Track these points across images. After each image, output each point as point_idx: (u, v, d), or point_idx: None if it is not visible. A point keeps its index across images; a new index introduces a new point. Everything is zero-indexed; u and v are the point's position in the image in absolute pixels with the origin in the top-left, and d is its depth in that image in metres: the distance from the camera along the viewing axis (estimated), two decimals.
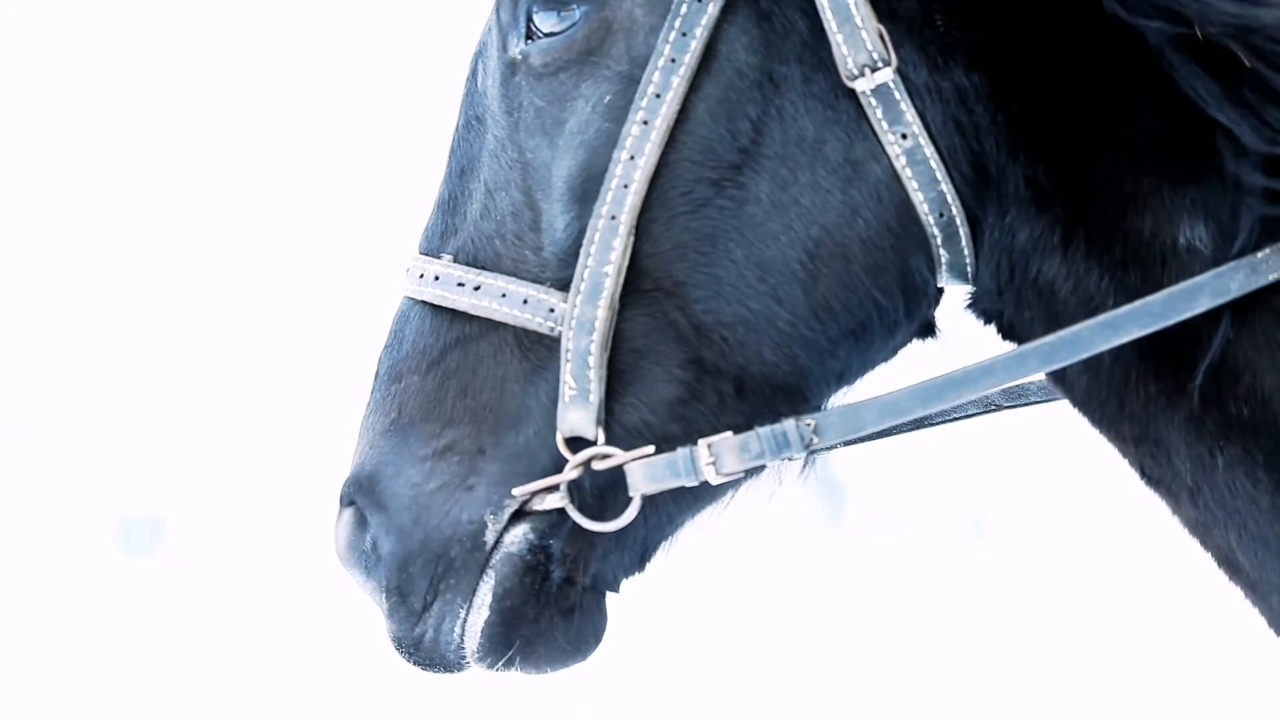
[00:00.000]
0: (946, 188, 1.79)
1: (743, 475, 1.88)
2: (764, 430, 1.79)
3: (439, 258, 1.92)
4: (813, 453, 1.83)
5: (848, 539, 20.40)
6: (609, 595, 1.95)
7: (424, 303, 1.92)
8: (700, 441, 1.80)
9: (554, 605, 1.87)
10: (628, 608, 1.98)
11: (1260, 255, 1.68)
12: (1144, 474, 1.87)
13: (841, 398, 1.94)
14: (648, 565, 1.96)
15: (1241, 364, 1.73)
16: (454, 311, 1.89)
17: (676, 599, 14.72)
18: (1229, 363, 1.73)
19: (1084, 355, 1.74)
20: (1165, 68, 1.69)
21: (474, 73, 1.97)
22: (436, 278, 1.90)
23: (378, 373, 1.97)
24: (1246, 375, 1.73)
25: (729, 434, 1.80)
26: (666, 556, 1.98)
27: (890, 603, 15.37)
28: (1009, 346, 1.90)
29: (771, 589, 16.83)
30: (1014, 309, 1.86)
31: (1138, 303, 1.71)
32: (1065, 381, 1.87)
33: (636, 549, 1.92)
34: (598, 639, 1.93)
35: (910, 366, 1.95)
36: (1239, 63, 1.65)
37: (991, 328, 1.92)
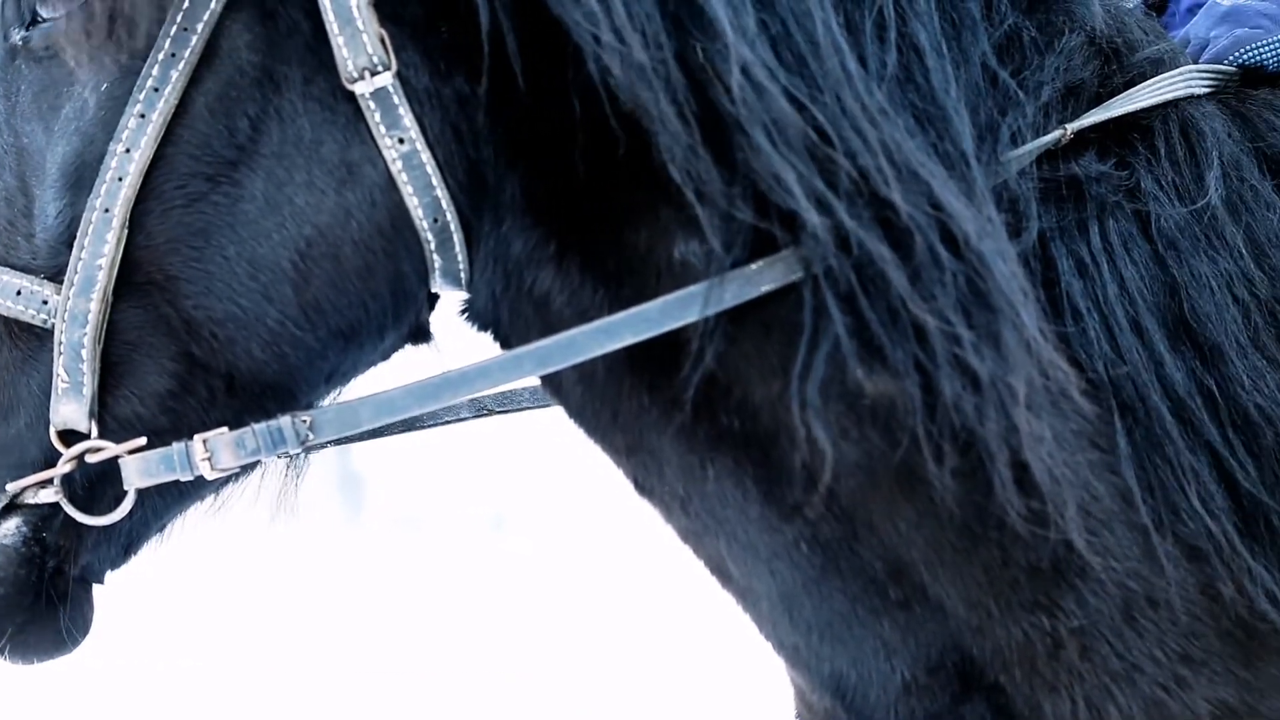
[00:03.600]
0: (442, 194, 1.79)
1: (237, 471, 1.88)
2: (259, 427, 1.78)
3: None
4: (309, 449, 1.83)
5: (367, 534, 20.30)
6: (95, 586, 1.92)
7: None
8: (196, 437, 1.79)
9: (46, 596, 1.84)
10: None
11: (754, 267, 1.71)
12: (637, 484, 1.92)
13: (334, 398, 1.95)
14: (132, 558, 1.94)
15: (733, 376, 1.77)
16: None
17: (198, 594, 14.39)
18: (721, 375, 1.77)
19: (579, 359, 1.76)
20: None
21: None
22: None
23: None
24: (737, 388, 1.77)
25: (224, 430, 1.79)
26: (154, 550, 1.97)
27: (411, 598, 15.39)
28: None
29: (290, 584, 16.60)
30: (509, 318, 1.88)
31: (633, 309, 1.73)
32: (561, 391, 1.91)
33: (123, 541, 1.90)
34: (86, 630, 1.91)
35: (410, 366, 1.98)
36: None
37: (488, 335, 1.94)
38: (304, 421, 1.79)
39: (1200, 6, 2.17)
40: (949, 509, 1.74)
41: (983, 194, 1.71)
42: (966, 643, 1.80)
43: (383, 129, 1.77)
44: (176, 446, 1.78)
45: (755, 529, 1.83)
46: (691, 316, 1.72)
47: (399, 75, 1.76)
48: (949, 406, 1.67)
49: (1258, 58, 2.01)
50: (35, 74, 1.81)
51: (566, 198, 1.81)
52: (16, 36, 1.82)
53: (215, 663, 12.50)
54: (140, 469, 1.79)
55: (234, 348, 1.80)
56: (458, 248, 1.83)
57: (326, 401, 1.94)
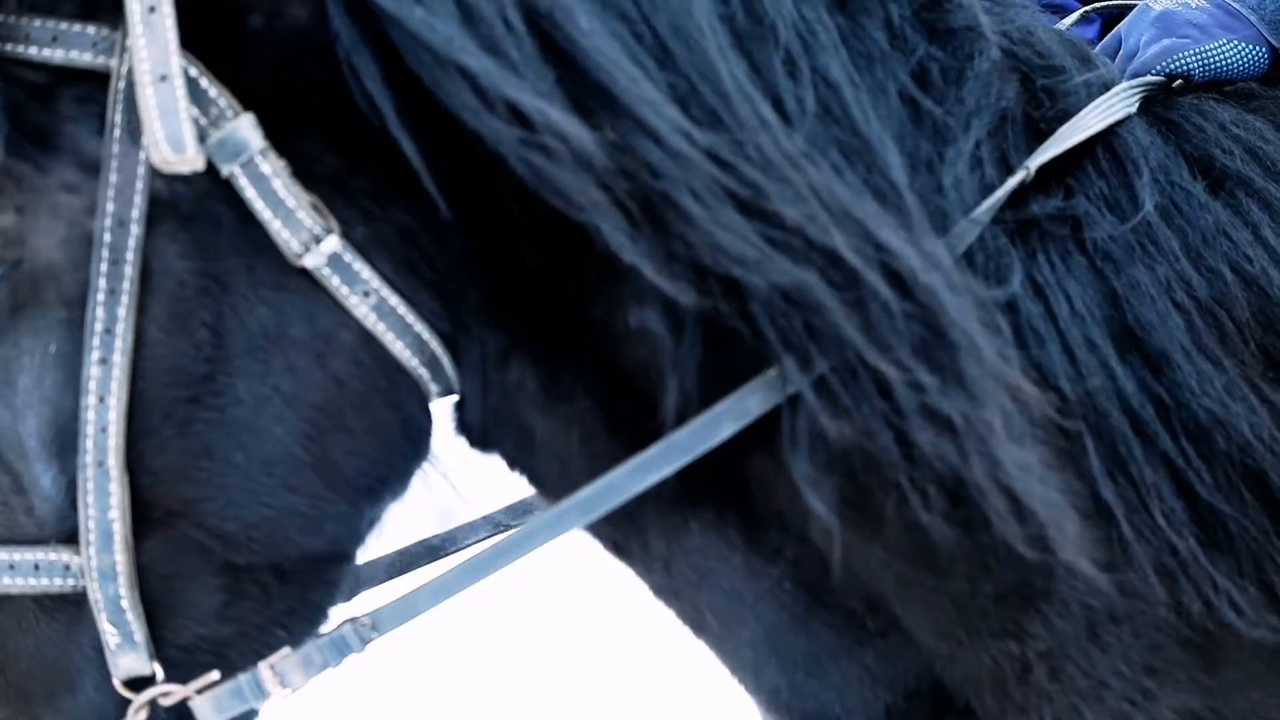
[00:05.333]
0: (420, 327, 1.75)
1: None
2: (323, 641, 1.78)
3: None
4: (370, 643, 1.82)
5: None
6: None
7: None
8: (261, 664, 1.77)
9: None
10: None
11: (772, 374, 1.68)
12: (616, 547, 1.92)
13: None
14: None
15: None
16: None
17: None
18: None
19: (621, 500, 1.74)
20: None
21: None
22: None
23: None
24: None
25: (288, 651, 1.78)
26: None
27: (370, 595, 15.31)
28: (479, 456, 1.93)
29: None
30: (493, 419, 1.86)
31: (663, 441, 1.70)
32: (535, 475, 1.91)
33: None
34: None
35: None
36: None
37: (474, 444, 1.92)
38: (365, 624, 1.79)
39: None
40: (913, 547, 1.76)
41: (921, 226, 1.67)
42: (938, 670, 1.85)
43: (344, 290, 1.72)
44: (244, 677, 1.77)
45: (739, 576, 1.84)
46: (724, 434, 1.70)
47: (342, 234, 1.71)
48: (928, 454, 1.64)
49: (1183, 67, 2.04)
50: None
51: (521, 292, 1.78)
52: None
53: None
54: (213, 707, 1.77)
55: (274, 544, 1.77)
56: (447, 366, 1.81)
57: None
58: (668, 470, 1.72)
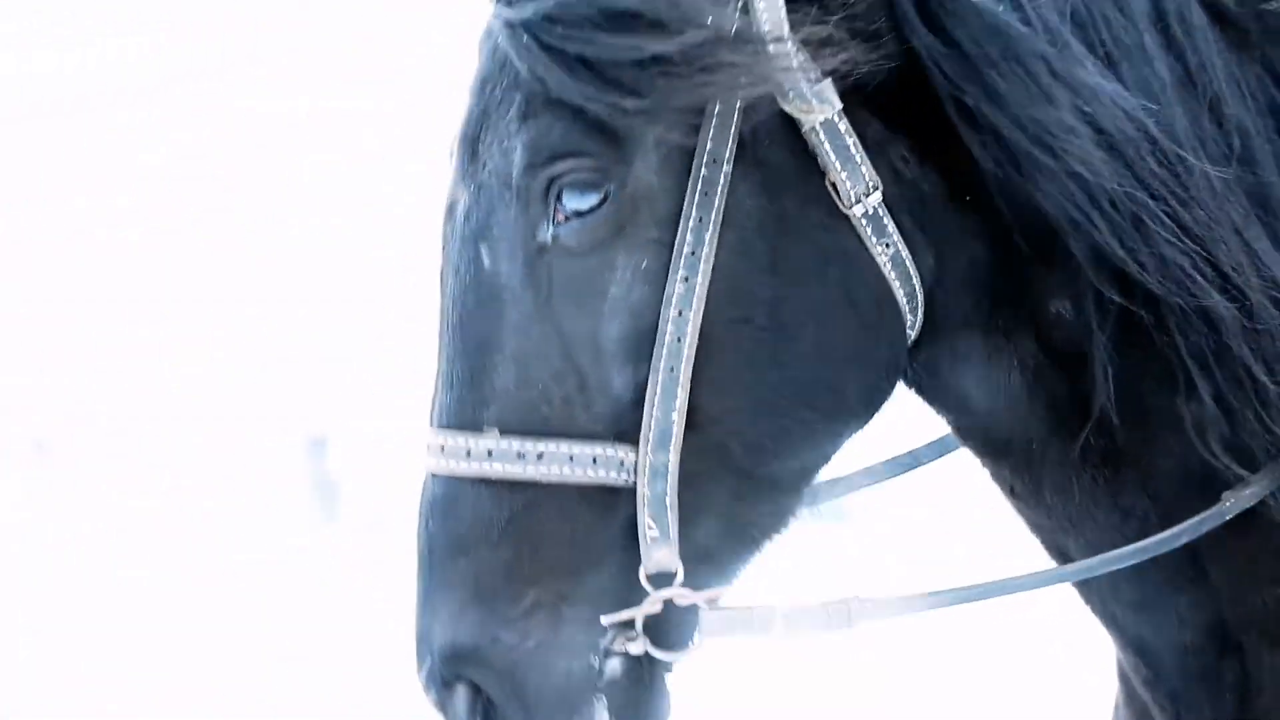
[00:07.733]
0: (916, 282, 2.04)
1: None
2: (831, 605, 2.03)
3: (481, 432, 1.98)
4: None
5: (342, 537, 20.39)
6: None
7: (476, 479, 1.99)
8: (778, 607, 2.01)
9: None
10: None
11: (1227, 504, 2.04)
12: (1011, 491, 2.23)
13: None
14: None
15: (1111, 420, 2.08)
16: (511, 481, 1.98)
17: (179, 597, 14.22)
18: (1105, 419, 2.08)
19: (1081, 578, 2.15)
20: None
21: (475, 258, 2.02)
22: (489, 453, 1.97)
23: (431, 551, 2.02)
24: (1108, 420, 2.08)
25: (802, 602, 2.03)
26: None
27: (384, 599, 15.49)
28: (918, 402, 2.25)
29: (266, 585, 16.65)
30: (935, 377, 2.17)
31: (1134, 546, 2.07)
32: (966, 408, 2.21)
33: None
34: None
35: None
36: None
37: (912, 389, 2.22)
38: (866, 606, 2.05)
39: None
40: (1238, 519, 2.07)
41: None
42: (1226, 612, 2.16)
43: (874, 240, 2.01)
44: (758, 610, 2.02)
45: (1099, 528, 2.16)
46: (1178, 543, 2.06)
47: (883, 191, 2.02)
48: None
49: None
50: (571, 266, 1.97)
51: (989, 274, 2.10)
52: (546, 234, 1.98)
53: (194, 662, 12.59)
54: (721, 624, 2.01)
55: (785, 456, 2.04)
56: (921, 320, 2.10)
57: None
58: (1122, 564, 2.09)
